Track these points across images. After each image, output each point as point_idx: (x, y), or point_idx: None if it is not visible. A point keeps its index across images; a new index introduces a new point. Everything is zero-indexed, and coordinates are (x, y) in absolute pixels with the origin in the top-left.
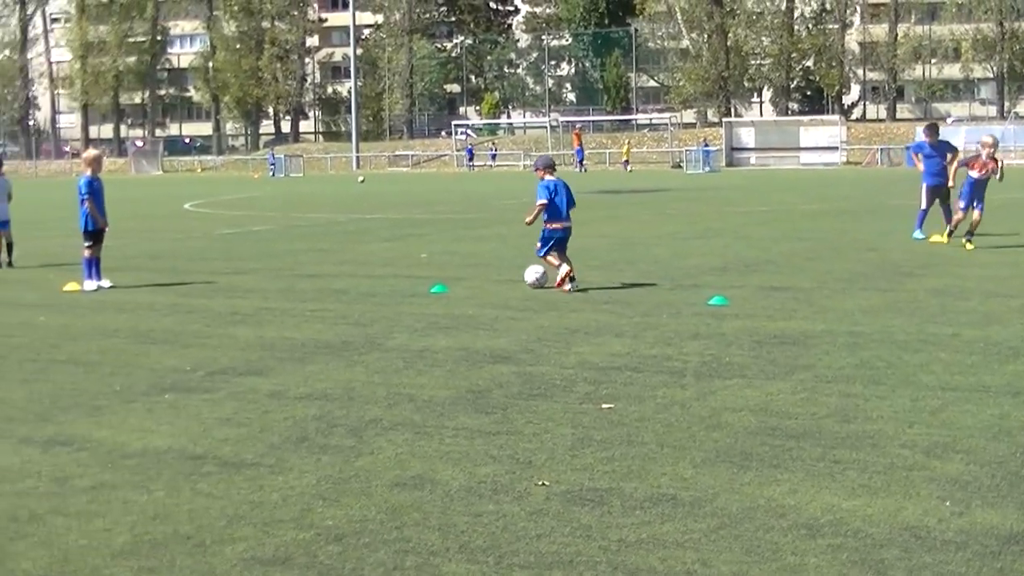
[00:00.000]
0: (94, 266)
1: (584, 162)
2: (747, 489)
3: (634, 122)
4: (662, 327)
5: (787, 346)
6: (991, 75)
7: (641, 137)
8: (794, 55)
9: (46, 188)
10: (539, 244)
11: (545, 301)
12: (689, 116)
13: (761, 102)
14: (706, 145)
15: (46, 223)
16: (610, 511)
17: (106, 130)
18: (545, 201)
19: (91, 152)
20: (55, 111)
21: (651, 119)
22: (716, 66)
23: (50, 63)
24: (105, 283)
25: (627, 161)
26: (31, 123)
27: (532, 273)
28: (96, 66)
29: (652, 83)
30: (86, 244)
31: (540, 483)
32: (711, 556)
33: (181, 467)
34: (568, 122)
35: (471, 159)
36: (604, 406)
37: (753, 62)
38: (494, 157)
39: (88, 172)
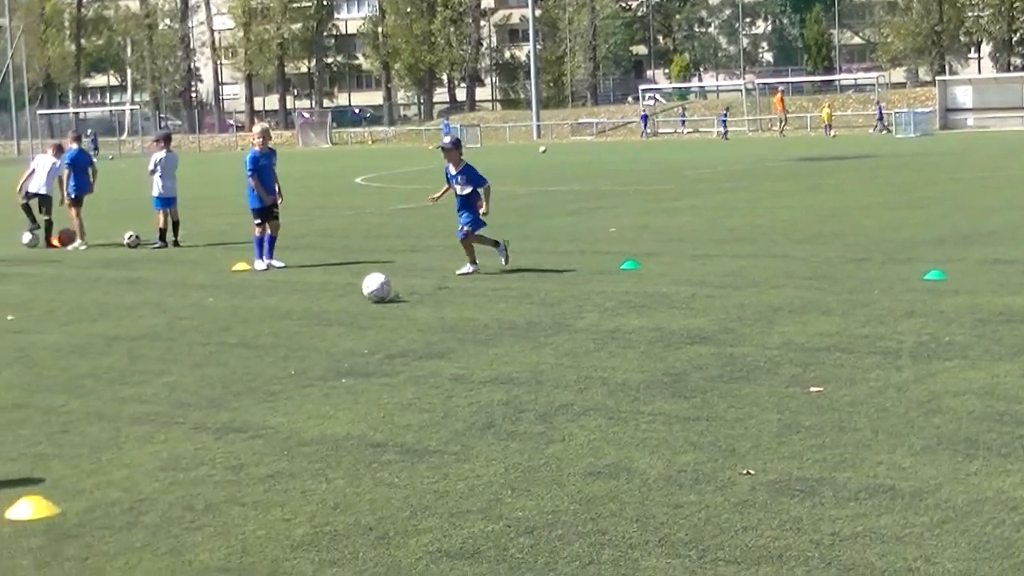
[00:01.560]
0: (266, 245)
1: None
2: (973, 480)
3: (837, 83)
4: (873, 304)
5: (1014, 324)
6: None
7: (845, 99)
8: (1017, 5)
9: (210, 163)
10: (469, 226)
11: (745, 277)
12: (898, 75)
13: (979, 58)
14: (880, 106)
15: (211, 200)
16: (821, 502)
17: (271, 101)
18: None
19: (258, 125)
20: (218, 82)
21: (856, 79)
22: (928, 19)
23: (212, 32)
24: (277, 263)
25: (829, 126)
26: (193, 95)
27: (374, 282)
28: (260, 34)
29: (857, 40)
30: (256, 222)
31: (745, 472)
32: (935, 552)
33: (361, 455)
34: (764, 84)
35: (646, 126)
36: (812, 389)
37: (970, 14)
38: (683, 123)
39: (257, 147)
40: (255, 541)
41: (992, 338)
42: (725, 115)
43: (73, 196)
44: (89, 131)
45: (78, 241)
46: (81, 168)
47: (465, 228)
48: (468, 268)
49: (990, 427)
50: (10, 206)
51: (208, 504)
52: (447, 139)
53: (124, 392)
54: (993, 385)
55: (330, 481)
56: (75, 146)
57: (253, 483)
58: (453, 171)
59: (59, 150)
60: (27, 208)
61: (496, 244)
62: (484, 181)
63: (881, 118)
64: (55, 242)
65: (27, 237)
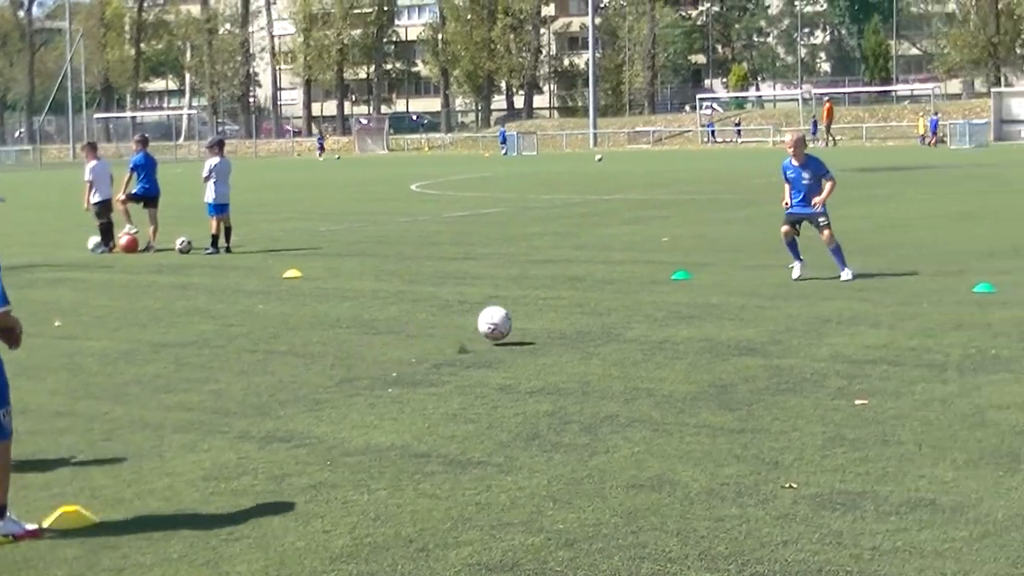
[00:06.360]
0: None
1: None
2: (1015, 494)
3: (894, 94)
4: (922, 316)
5: None
6: None
7: (901, 110)
8: None
9: (266, 169)
10: None
11: (796, 288)
12: (954, 86)
13: None
14: (935, 119)
15: (266, 206)
16: (863, 516)
17: (329, 107)
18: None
19: (793, 134)
20: (277, 87)
21: (912, 90)
22: (985, 31)
23: (272, 37)
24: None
25: (924, 136)
26: (252, 100)
27: (494, 315)
28: (320, 39)
29: (914, 51)
30: None
31: (787, 485)
32: (973, 567)
33: (404, 466)
34: (822, 94)
35: (713, 136)
36: (858, 402)
37: None
38: (739, 133)
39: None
40: (294, 553)
41: None
42: (936, 121)
43: (137, 193)
44: (316, 131)
45: (150, 243)
46: (149, 171)
47: None
48: None
49: None
50: (67, 212)
51: (248, 515)
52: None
53: (169, 400)
54: None
55: (372, 492)
56: (141, 149)
57: (295, 493)
58: None
59: (92, 148)
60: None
61: None
62: None
63: (934, 131)
64: (119, 248)
65: (92, 242)
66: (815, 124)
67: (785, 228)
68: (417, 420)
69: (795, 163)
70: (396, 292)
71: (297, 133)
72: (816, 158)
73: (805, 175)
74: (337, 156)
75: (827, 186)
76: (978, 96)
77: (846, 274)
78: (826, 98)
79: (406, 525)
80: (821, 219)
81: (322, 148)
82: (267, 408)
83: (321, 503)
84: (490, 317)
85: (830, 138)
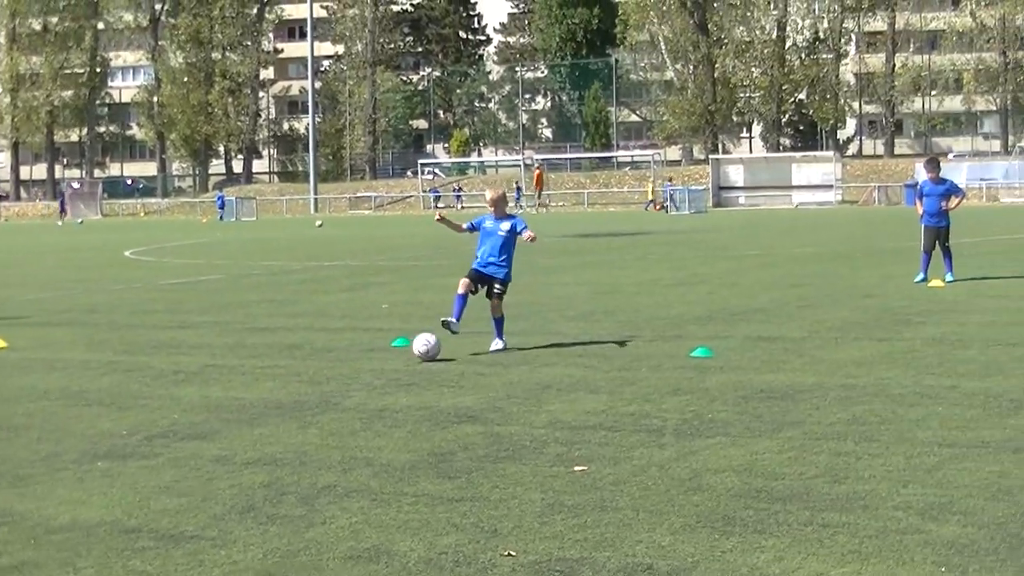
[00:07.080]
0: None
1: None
2: (729, 556)
3: (615, 160)
4: (640, 382)
5: (775, 401)
6: (994, 108)
7: (621, 176)
8: (786, 87)
9: None
10: None
11: (516, 356)
12: (674, 153)
13: (751, 137)
14: (668, 186)
15: None
16: None
17: (39, 170)
18: None
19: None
20: None
21: (633, 156)
22: (702, 99)
23: None
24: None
25: (653, 201)
26: None
27: (426, 341)
28: (28, 100)
29: (634, 118)
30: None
31: (506, 553)
32: None
33: (113, 542)
34: (544, 160)
35: (437, 202)
36: (576, 469)
37: (742, 95)
38: (459, 198)
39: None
40: None
41: (753, 415)
42: (669, 185)
43: None
44: (61, 192)
45: None
46: None
47: None
48: None
49: (747, 504)
50: None
51: None
52: None
53: None
54: (752, 462)
55: (78, 571)
56: None
57: None
58: None
59: None
60: None
61: None
62: None
63: (670, 197)
64: None
65: None
66: (519, 191)
67: (465, 281)
68: (128, 494)
69: (496, 217)
70: (108, 362)
71: (4, 197)
72: (517, 216)
73: (503, 226)
74: (80, 221)
75: (526, 234)
76: (696, 163)
77: (497, 344)
78: (535, 165)
79: None
80: (498, 286)
81: (64, 211)
82: None
83: None
84: (423, 343)
85: (540, 204)
